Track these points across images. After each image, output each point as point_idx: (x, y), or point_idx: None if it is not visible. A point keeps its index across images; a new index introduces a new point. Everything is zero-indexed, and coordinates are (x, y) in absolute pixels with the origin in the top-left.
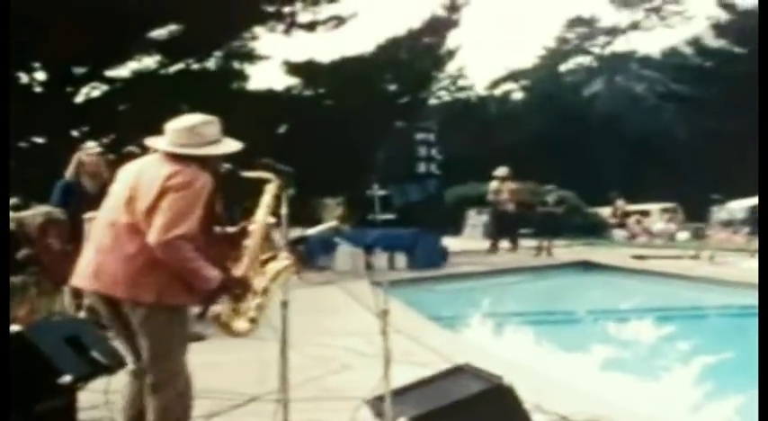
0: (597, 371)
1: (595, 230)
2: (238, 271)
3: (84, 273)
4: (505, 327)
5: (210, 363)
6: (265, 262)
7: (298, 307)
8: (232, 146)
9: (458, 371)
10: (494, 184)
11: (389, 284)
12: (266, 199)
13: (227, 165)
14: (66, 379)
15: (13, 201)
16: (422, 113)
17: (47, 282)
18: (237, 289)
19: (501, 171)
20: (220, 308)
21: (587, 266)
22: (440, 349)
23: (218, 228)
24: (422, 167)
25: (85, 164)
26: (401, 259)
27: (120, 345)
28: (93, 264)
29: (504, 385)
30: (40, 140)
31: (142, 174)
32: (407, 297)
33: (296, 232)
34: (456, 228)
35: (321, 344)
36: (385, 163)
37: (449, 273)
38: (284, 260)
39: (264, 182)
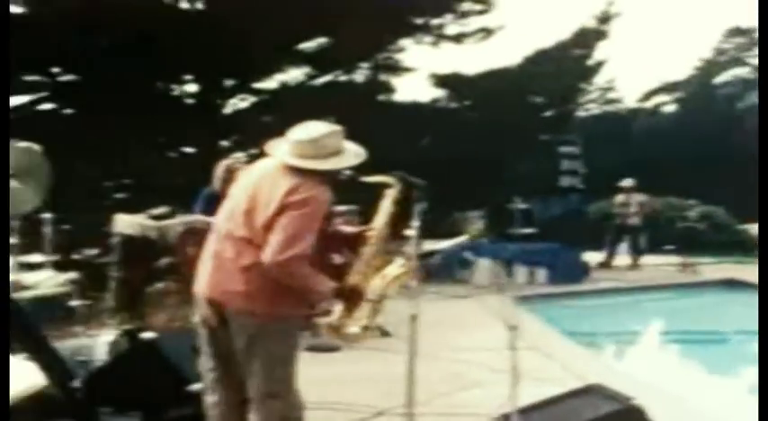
0: (744, 394)
1: (747, 248)
2: (352, 278)
3: (201, 281)
4: (644, 346)
5: (338, 375)
6: (381, 267)
7: (431, 320)
8: (354, 157)
9: (588, 391)
10: (620, 197)
11: (527, 299)
12: (386, 204)
13: (347, 172)
14: (195, 387)
15: (161, 210)
16: (568, 126)
17: (186, 292)
18: (351, 298)
19: (626, 182)
20: (334, 314)
21: (734, 284)
22: (573, 367)
23: (334, 228)
24: (565, 181)
25: (234, 173)
26: (541, 274)
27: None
28: (209, 272)
29: (635, 407)
30: (189, 150)
31: (261, 185)
32: (546, 312)
33: (436, 244)
34: (599, 243)
35: (452, 358)
36: (528, 176)
37: (589, 288)
38: (400, 267)
39: (386, 187)
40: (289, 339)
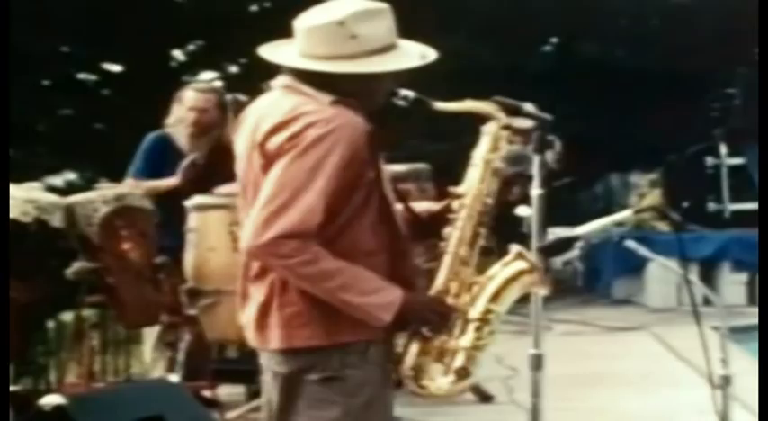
0: None
1: None
2: (434, 285)
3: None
4: None
5: None
6: (483, 266)
7: (567, 367)
8: (416, 57)
9: None
10: None
11: (748, 332)
12: (484, 150)
13: (408, 93)
14: None
15: (69, 176)
16: None
17: (117, 322)
18: (433, 316)
19: None
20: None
21: None
22: None
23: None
24: None
25: (186, 107)
26: None
27: None
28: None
29: None
30: (115, 68)
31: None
32: None
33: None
34: None
35: None
36: (741, 107)
37: None
38: (517, 262)
39: (482, 121)
40: (336, 393)
